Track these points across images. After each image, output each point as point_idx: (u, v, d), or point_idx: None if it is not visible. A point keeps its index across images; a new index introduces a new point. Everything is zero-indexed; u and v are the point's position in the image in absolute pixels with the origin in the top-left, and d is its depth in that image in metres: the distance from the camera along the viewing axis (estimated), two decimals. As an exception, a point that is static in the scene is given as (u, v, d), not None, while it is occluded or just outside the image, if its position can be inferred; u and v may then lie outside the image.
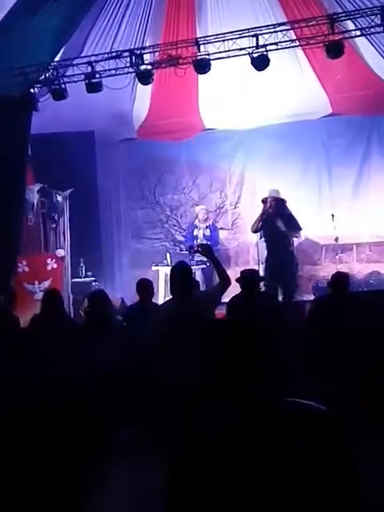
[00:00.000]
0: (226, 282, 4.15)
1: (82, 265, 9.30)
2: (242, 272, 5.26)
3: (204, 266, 8.31)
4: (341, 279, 5.24)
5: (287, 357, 3.20)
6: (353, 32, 7.00)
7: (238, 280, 5.07)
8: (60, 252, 8.44)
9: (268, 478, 1.34)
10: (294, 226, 8.13)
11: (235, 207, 10.19)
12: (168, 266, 9.08)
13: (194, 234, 9.20)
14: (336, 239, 8.66)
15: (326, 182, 9.70)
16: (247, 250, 9.99)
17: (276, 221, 8.01)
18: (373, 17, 6.69)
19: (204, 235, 9.04)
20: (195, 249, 7.59)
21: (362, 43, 7.57)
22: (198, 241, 8.74)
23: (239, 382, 1.45)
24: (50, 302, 5.17)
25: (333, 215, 8.67)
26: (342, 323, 4.10)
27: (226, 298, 5.49)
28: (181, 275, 4.12)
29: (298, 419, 1.41)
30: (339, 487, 1.35)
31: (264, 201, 8.21)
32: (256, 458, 1.36)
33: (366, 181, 9.49)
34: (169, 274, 8.89)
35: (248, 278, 5.13)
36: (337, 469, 1.36)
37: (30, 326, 5.11)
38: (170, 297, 8.81)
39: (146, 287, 5.62)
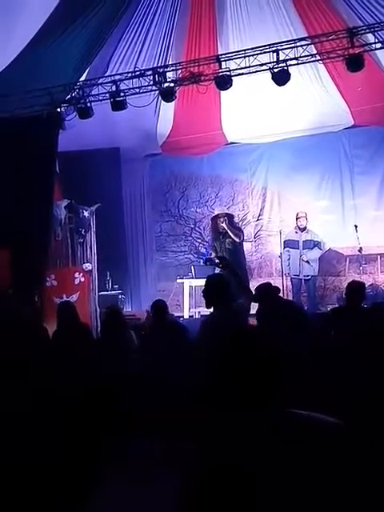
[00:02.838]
0: (247, 292, 4.17)
1: (108, 278, 9.46)
2: (256, 289, 5.29)
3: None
4: (354, 288, 5.22)
5: (311, 366, 3.26)
6: (373, 45, 7.04)
7: (254, 300, 5.11)
8: (87, 266, 8.59)
9: (272, 487, 1.37)
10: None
11: (258, 219, 10.26)
12: (193, 278, 9.20)
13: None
14: (360, 250, 8.66)
15: (348, 193, 9.71)
16: (270, 261, 10.05)
17: (234, 232, 8.54)
18: (393, 29, 6.74)
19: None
20: (216, 262, 7.86)
21: (382, 55, 7.61)
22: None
23: (243, 391, 1.49)
24: (62, 316, 5.27)
25: (356, 226, 8.68)
26: (357, 332, 4.12)
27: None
28: (220, 286, 4.15)
29: (301, 430, 1.42)
30: (342, 496, 1.36)
31: (215, 217, 8.91)
32: (261, 467, 1.39)
33: (390, 191, 9.48)
34: (193, 285, 9.11)
35: (263, 293, 5.15)
36: (340, 479, 1.37)
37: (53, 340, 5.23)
38: (195, 309, 8.96)
39: (159, 309, 5.64)
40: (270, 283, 5.93)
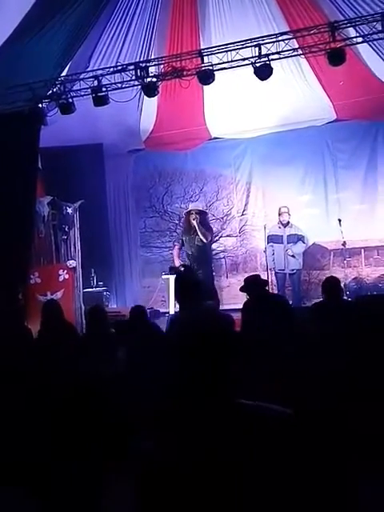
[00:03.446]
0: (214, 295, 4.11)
1: (93, 275, 9.42)
2: (245, 280, 5.31)
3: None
4: (331, 283, 5.26)
5: (297, 360, 3.27)
6: (354, 39, 7.06)
7: (241, 289, 5.13)
8: (71, 263, 8.54)
9: (226, 479, 1.37)
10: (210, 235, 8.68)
11: (242, 214, 10.27)
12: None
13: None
14: (344, 244, 8.71)
15: (332, 187, 9.75)
16: (255, 256, 10.08)
17: (202, 231, 8.45)
18: (374, 23, 6.77)
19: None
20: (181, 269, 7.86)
21: (364, 49, 7.64)
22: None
23: (193, 381, 1.49)
24: (47, 315, 5.23)
25: (340, 220, 8.73)
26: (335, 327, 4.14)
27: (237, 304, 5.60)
28: (185, 284, 4.11)
29: (251, 421, 1.43)
30: (295, 488, 1.37)
31: (188, 213, 8.78)
32: (214, 460, 1.39)
33: (373, 184, 9.52)
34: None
35: (251, 284, 5.17)
36: (291, 470, 1.38)
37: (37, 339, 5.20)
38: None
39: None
40: (259, 275, 5.96)
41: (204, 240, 8.34)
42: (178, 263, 8.88)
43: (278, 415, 1.46)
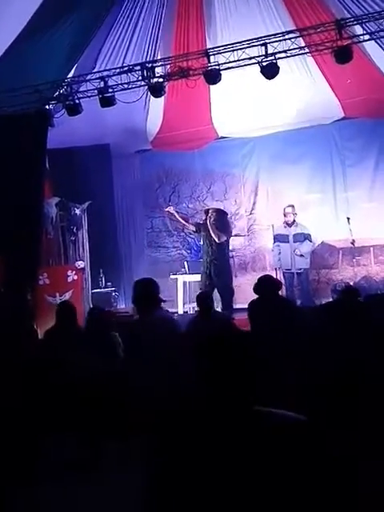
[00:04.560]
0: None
1: (101, 275, 9.43)
2: (259, 279, 5.27)
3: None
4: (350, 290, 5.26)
5: (302, 359, 3.26)
6: (361, 36, 7.02)
7: (255, 289, 5.11)
8: (80, 264, 8.56)
9: (236, 485, 1.37)
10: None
11: (250, 213, 10.25)
12: (186, 273, 9.20)
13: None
14: (353, 242, 8.66)
15: (340, 185, 9.71)
16: (263, 255, 10.05)
17: (214, 231, 8.40)
18: (381, 20, 6.72)
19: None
20: None
21: (371, 47, 7.59)
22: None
23: (215, 392, 1.49)
24: (63, 315, 5.22)
25: (348, 218, 8.69)
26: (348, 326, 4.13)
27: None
28: (140, 291, 4.05)
29: (269, 428, 1.43)
30: (303, 493, 1.37)
31: (206, 211, 8.79)
32: (229, 465, 1.39)
33: (381, 182, 9.47)
34: (187, 281, 9.13)
35: (265, 284, 5.14)
36: (309, 475, 1.38)
37: (44, 339, 5.21)
38: (189, 305, 9.01)
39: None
40: (272, 276, 5.93)
41: (216, 239, 8.35)
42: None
43: (293, 423, 1.46)
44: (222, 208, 9.25)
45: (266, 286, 5.09)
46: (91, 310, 5.28)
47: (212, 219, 8.47)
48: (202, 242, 8.80)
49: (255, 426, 1.44)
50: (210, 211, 8.67)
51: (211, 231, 8.39)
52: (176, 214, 9.18)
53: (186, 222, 9.16)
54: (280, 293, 5.50)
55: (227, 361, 1.51)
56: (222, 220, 8.73)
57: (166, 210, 9.43)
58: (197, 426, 1.48)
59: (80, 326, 5.27)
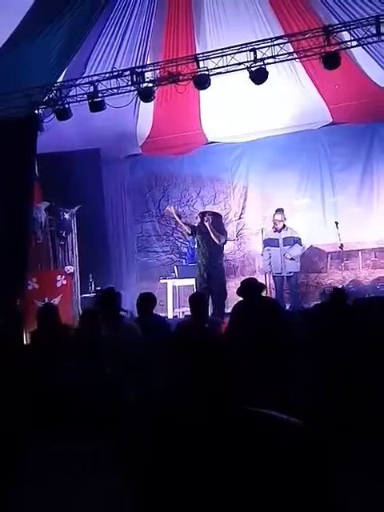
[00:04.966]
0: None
1: (91, 280, 9.40)
2: (241, 283, 5.31)
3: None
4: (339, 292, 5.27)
5: (288, 362, 3.27)
6: (349, 42, 7.09)
7: (238, 292, 5.13)
8: (69, 268, 8.54)
9: (229, 486, 1.36)
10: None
11: (240, 218, 10.30)
12: (176, 278, 9.21)
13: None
14: (341, 246, 8.72)
15: (329, 190, 9.79)
16: (253, 260, 10.09)
17: (215, 233, 8.42)
18: (368, 27, 6.79)
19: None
20: None
21: (358, 53, 7.67)
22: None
23: (199, 393, 1.49)
24: (43, 318, 5.20)
25: (337, 223, 8.74)
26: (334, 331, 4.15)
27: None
28: (103, 301, 4.16)
29: (258, 429, 1.42)
30: (297, 496, 1.36)
31: (202, 215, 8.79)
32: (217, 467, 1.39)
33: (369, 187, 9.58)
34: (177, 285, 9.13)
35: (247, 287, 5.17)
36: (295, 478, 1.37)
37: (30, 342, 5.19)
38: (179, 309, 9.02)
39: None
40: (255, 279, 5.96)
41: (217, 242, 8.39)
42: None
43: (285, 424, 1.45)
44: (216, 212, 9.24)
45: (249, 288, 5.11)
46: (83, 312, 5.27)
47: (210, 222, 8.48)
48: (196, 245, 8.79)
49: (244, 427, 1.43)
50: (207, 214, 8.68)
51: (211, 234, 8.41)
52: (175, 215, 9.16)
53: (184, 223, 9.11)
54: (265, 294, 5.52)
55: (204, 362, 1.51)
56: (219, 222, 8.80)
57: (167, 208, 9.43)
58: (182, 428, 1.48)
59: (67, 327, 5.27)
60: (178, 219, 9.13)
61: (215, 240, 8.41)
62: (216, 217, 8.78)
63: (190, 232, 8.86)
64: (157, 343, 3.81)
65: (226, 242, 8.74)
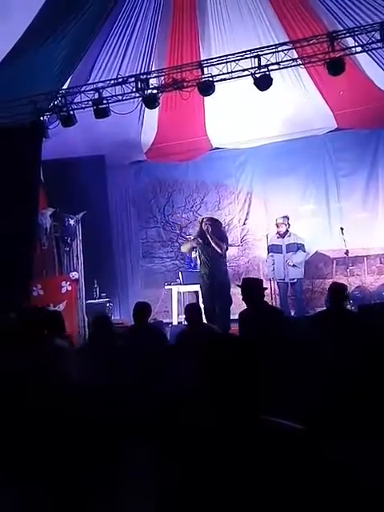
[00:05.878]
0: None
1: (95, 286, 9.42)
2: (242, 280, 5.30)
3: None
4: (336, 290, 5.22)
5: (290, 369, 3.25)
6: (353, 48, 7.09)
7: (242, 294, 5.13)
8: (74, 274, 8.53)
9: (240, 493, 1.37)
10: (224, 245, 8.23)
11: (244, 224, 10.29)
12: (181, 284, 9.17)
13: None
14: (346, 252, 8.68)
15: (334, 196, 9.78)
16: (258, 265, 10.08)
17: (215, 241, 7.99)
18: (373, 33, 6.79)
19: None
20: None
21: (363, 59, 7.67)
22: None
23: (218, 398, 1.49)
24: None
25: (342, 229, 8.70)
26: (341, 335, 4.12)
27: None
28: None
29: (269, 437, 1.43)
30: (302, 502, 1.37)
31: (200, 222, 8.35)
32: (232, 474, 1.40)
33: (374, 192, 9.55)
34: (182, 291, 9.09)
35: (248, 287, 5.16)
36: (302, 483, 1.38)
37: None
38: (184, 315, 8.95)
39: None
40: (256, 279, 5.92)
41: (218, 250, 7.93)
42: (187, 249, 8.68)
43: (288, 431, 1.46)
44: (215, 217, 9.04)
45: (249, 291, 5.10)
46: (95, 320, 5.28)
47: (210, 230, 8.03)
48: (196, 255, 8.50)
49: (256, 434, 1.44)
50: (205, 221, 8.22)
51: (212, 242, 7.97)
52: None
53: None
54: (267, 296, 5.50)
55: (229, 367, 1.51)
56: (218, 228, 8.39)
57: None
58: (198, 435, 1.48)
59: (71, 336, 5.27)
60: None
61: (217, 249, 7.95)
62: (215, 223, 8.33)
63: (194, 245, 8.40)
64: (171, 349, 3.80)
65: (227, 249, 8.40)
